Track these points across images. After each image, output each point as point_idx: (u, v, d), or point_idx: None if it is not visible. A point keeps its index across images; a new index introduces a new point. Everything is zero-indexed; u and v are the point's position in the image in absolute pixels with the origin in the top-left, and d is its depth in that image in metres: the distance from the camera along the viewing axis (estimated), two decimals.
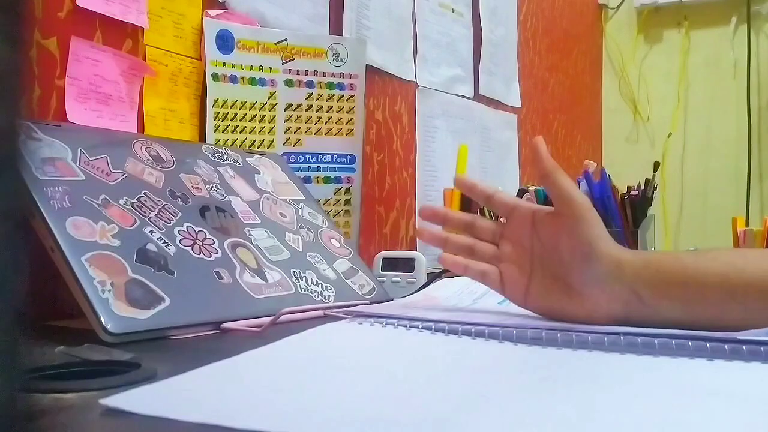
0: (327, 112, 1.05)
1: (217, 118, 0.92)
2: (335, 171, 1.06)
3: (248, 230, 0.72)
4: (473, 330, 0.52)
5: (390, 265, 0.94)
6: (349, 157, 1.06)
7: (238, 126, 0.95)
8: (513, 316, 0.58)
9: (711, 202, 2.24)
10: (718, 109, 2.25)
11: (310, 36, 1.05)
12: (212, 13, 0.92)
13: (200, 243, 0.65)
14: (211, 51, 0.91)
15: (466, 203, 1.12)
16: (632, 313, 0.54)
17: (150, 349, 0.50)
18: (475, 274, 0.63)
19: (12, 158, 0.20)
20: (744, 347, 0.44)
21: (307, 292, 0.71)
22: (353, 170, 1.07)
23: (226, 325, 0.59)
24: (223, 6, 0.94)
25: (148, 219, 0.63)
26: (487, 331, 0.51)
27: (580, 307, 0.56)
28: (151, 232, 0.62)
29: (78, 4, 0.73)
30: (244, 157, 0.84)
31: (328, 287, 0.74)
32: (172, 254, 0.61)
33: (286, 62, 1.01)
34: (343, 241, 0.84)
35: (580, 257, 0.56)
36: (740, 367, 0.43)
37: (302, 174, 1.01)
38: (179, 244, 0.63)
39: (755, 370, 0.42)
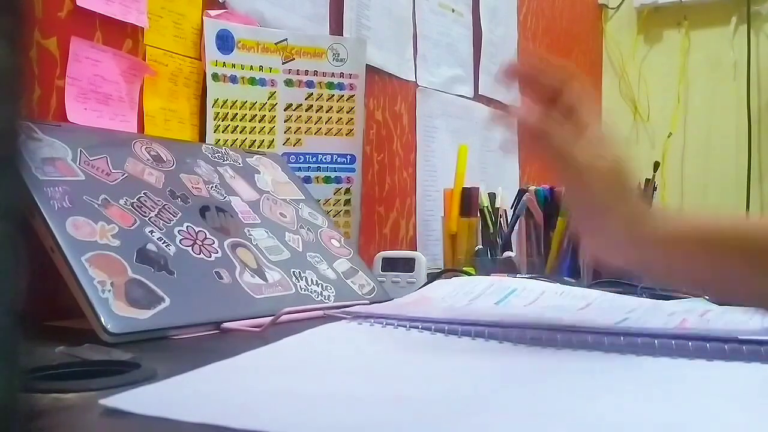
0: (327, 112, 1.05)
1: (217, 118, 0.92)
2: (335, 171, 1.06)
3: (248, 230, 0.72)
4: (473, 330, 0.52)
5: (390, 265, 0.94)
6: (349, 157, 1.06)
7: (238, 126, 0.95)
8: (511, 317, 0.58)
9: (711, 202, 2.24)
10: (718, 109, 2.25)
11: (310, 36, 1.05)
12: (212, 13, 0.92)
13: (200, 243, 0.65)
14: (211, 51, 0.91)
15: (466, 203, 1.12)
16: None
17: (150, 349, 0.50)
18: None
19: (12, 158, 0.20)
20: (744, 347, 0.44)
21: (307, 292, 0.71)
22: (353, 170, 1.07)
23: (226, 325, 0.59)
24: (223, 6, 0.94)
25: (148, 219, 0.63)
26: (487, 332, 0.52)
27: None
28: (151, 232, 0.62)
29: (78, 4, 0.73)
30: (244, 157, 0.84)
31: (328, 287, 0.74)
32: (172, 254, 0.61)
33: (286, 62, 1.01)
34: (343, 241, 0.84)
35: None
36: (740, 367, 0.43)
37: (302, 174, 1.01)
38: (179, 244, 0.63)
39: (755, 370, 0.42)
